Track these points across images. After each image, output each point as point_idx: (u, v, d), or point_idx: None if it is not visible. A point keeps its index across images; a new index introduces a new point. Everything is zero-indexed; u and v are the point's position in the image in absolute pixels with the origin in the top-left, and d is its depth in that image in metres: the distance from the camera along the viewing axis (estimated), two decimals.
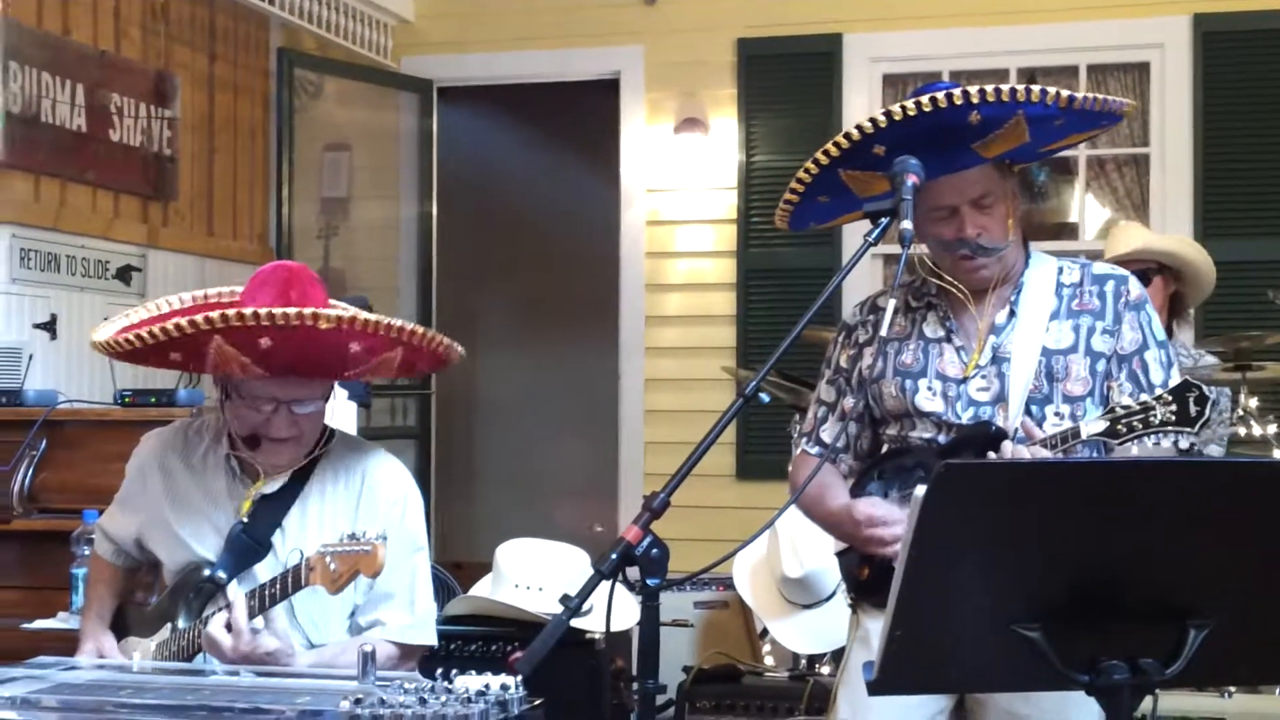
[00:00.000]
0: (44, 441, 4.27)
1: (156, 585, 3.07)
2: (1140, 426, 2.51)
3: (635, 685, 4.03)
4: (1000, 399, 2.71)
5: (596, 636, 4.01)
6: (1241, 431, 4.24)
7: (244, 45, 6.36)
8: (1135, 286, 2.78)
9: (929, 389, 2.76)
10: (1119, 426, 2.52)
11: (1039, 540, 1.83)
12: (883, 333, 2.55)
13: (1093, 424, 2.56)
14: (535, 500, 8.30)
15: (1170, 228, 5.75)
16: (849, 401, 2.88)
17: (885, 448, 2.87)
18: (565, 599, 2.19)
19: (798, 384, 4.81)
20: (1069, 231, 6.54)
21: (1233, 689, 3.60)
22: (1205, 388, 2.48)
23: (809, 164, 2.70)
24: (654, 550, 2.19)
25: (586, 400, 8.03)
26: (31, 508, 4.24)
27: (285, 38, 6.49)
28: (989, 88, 2.54)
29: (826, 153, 2.66)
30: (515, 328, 8.75)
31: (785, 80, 6.39)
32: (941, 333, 2.80)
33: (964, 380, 2.74)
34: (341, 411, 4.15)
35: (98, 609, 3.09)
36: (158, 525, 2.99)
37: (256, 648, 2.72)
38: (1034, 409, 2.69)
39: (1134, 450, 2.52)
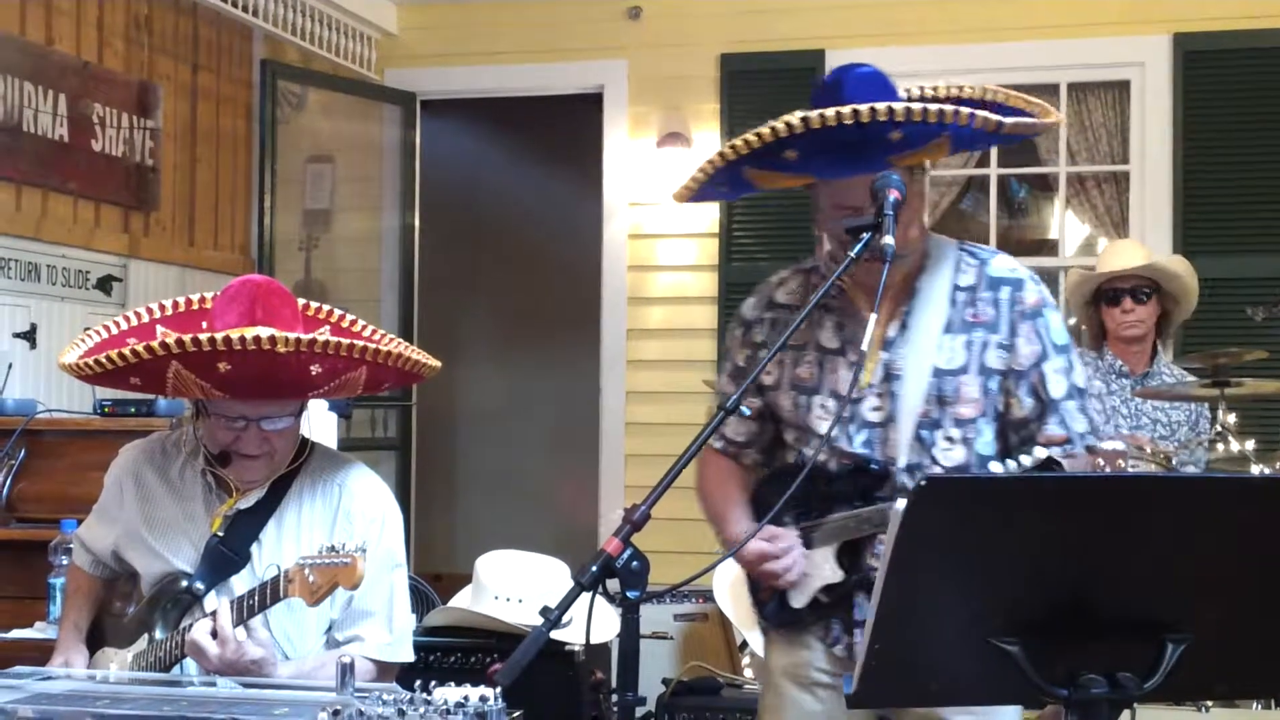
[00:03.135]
0: (23, 451, 4.25)
1: (134, 596, 3.05)
2: None
3: (615, 697, 4.04)
4: (892, 419, 2.65)
5: (576, 648, 4.00)
6: (1220, 448, 4.25)
7: (227, 56, 6.35)
8: (1032, 292, 2.67)
9: (822, 407, 2.70)
10: None
11: (1018, 555, 1.83)
12: (863, 347, 2.39)
13: None
14: (516, 512, 8.30)
15: (1150, 245, 5.77)
16: (751, 401, 2.76)
17: (788, 454, 2.79)
18: (545, 611, 2.19)
19: None
20: (1049, 248, 6.57)
21: (1210, 703, 3.61)
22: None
23: (715, 157, 2.60)
24: (634, 563, 2.18)
25: (568, 412, 8.04)
26: (9, 517, 4.23)
27: (268, 49, 6.49)
28: (915, 106, 2.40)
29: (734, 148, 2.55)
30: (497, 340, 8.76)
31: (768, 96, 6.38)
32: (836, 344, 2.72)
33: (856, 401, 2.66)
34: (321, 423, 4.14)
35: (75, 620, 3.07)
36: (133, 538, 2.97)
37: (242, 655, 2.69)
38: (924, 434, 2.63)
39: None
